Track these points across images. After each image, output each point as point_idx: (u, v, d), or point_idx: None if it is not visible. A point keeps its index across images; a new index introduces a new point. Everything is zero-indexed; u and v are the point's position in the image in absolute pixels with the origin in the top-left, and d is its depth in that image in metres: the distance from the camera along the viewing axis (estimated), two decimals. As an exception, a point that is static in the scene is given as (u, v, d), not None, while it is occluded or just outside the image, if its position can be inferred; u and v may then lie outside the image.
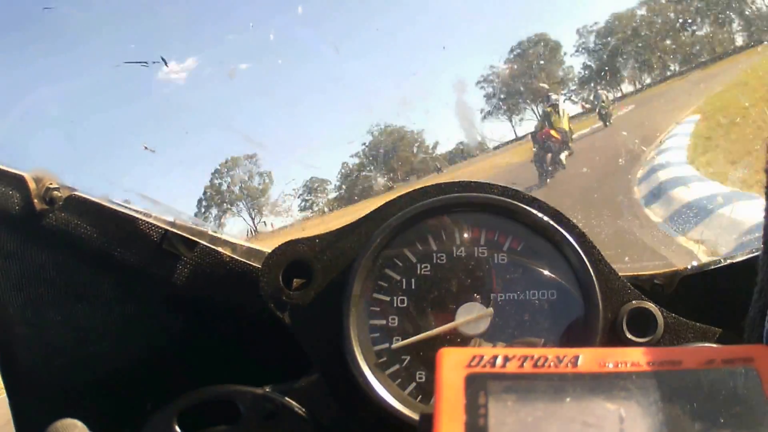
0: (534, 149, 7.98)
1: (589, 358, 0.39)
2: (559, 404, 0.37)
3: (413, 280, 0.71)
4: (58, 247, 0.77)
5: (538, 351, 0.40)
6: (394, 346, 0.69)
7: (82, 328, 0.77)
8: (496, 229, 0.72)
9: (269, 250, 0.73)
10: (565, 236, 0.69)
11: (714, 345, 0.53)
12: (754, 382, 0.37)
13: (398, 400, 0.67)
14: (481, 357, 0.40)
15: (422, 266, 0.71)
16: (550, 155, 7.76)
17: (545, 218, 0.70)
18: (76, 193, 0.79)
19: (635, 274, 0.74)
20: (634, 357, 0.39)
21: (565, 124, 8.38)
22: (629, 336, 0.67)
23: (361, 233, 0.72)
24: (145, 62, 0.88)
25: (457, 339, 0.68)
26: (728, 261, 0.73)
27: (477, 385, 0.39)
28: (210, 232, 0.79)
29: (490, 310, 0.68)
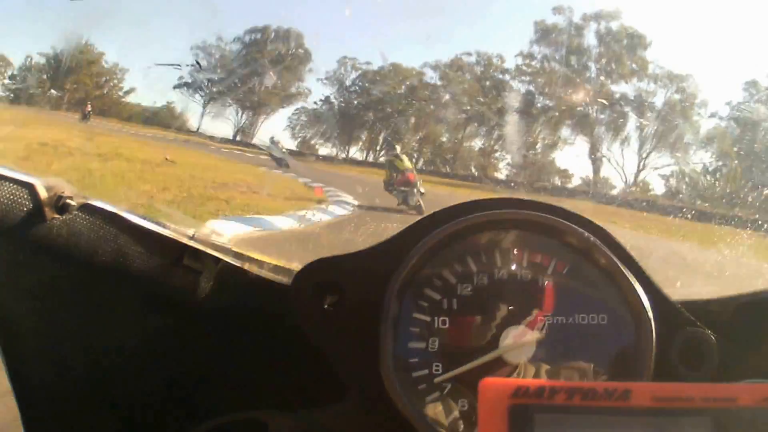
0: (397, 196, 10.18)
1: (640, 393, 0.41)
2: None
3: (455, 300, 0.72)
4: (71, 258, 0.78)
5: (587, 384, 0.42)
6: (437, 380, 0.70)
7: (97, 342, 0.78)
8: (539, 250, 0.74)
9: (298, 268, 0.75)
10: (614, 261, 0.70)
11: None
12: None
13: (440, 430, 0.67)
14: (527, 388, 0.41)
15: (462, 287, 0.73)
16: (416, 190, 10.06)
17: (592, 239, 0.71)
18: (89, 202, 0.81)
19: (688, 299, 0.75)
20: (686, 392, 0.41)
21: (408, 163, 10.91)
22: (682, 368, 0.68)
23: (396, 252, 0.73)
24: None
25: (501, 365, 0.69)
26: None
27: (521, 418, 0.40)
28: (234, 249, 0.81)
29: (537, 334, 0.70)
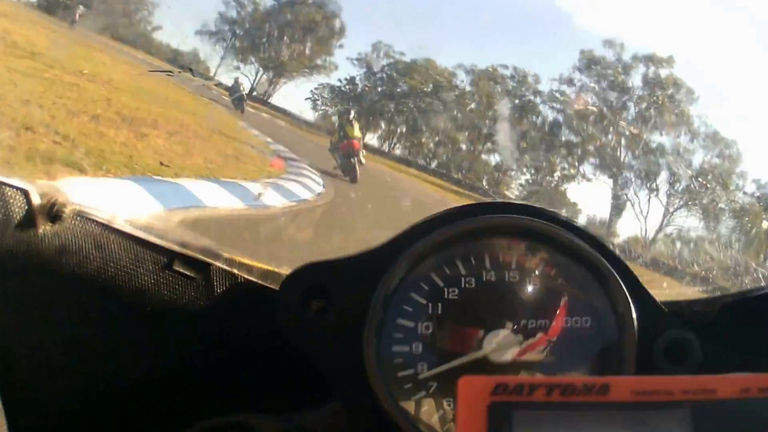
0: (338, 160, 10.38)
1: (619, 387, 0.41)
2: None
3: (439, 305, 0.73)
4: (62, 266, 0.79)
5: (566, 379, 0.42)
6: (420, 377, 0.71)
7: (86, 350, 0.79)
8: (528, 254, 0.75)
9: (287, 273, 0.76)
10: (603, 263, 0.72)
11: (749, 374, 0.56)
12: None
13: (425, 429, 0.69)
14: (506, 385, 0.42)
15: (450, 290, 0.74)
16: (354, 159, 10.29)
17: (582, 244, 0.73)
18: (82, 209, 0.82)
19: (674, 299, 0.76)
20: (666, 386, 0.41)
21: (358, 131, 11.07)
22: (666, 366, 0.69)
23: (385, 257, 0.74)
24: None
25: (486, 367, 0.70)
26: None
27: (501, 415, 0.41)
28: (224, 254, 0.82)
29: (519, 337, 0.71)
